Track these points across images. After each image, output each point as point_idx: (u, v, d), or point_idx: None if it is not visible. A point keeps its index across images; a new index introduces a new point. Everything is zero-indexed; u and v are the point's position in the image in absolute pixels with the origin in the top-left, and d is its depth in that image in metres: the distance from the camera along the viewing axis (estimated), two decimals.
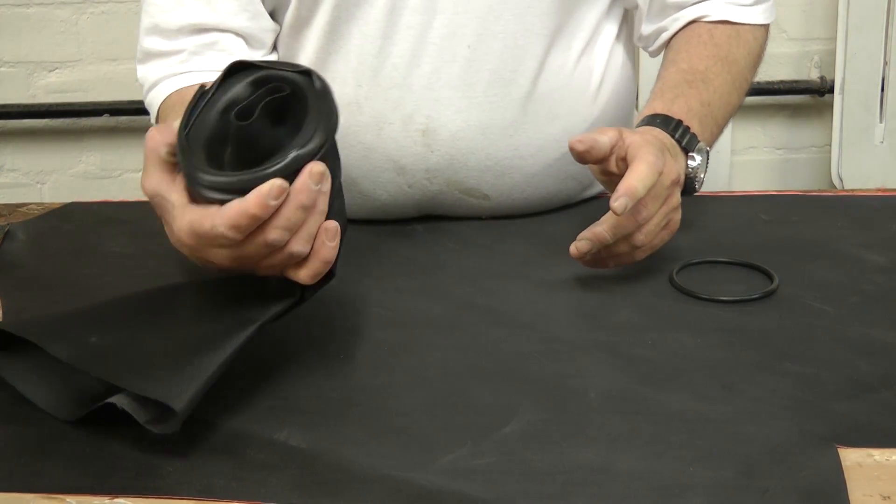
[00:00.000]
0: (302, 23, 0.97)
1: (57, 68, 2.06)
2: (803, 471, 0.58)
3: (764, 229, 0.96)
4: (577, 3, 0.98)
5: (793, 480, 0.57)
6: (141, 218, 1.02)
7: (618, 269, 0.85)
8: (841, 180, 1.99)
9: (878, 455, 0.60)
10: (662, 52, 1.05)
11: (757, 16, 1.02)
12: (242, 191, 0.63)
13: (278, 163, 0.64)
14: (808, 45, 2.02)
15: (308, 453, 0.62)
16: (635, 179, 0.78)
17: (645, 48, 1.08)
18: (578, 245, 0.82)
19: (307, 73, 0.68)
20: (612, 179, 0.84)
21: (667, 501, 0.56)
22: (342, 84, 0.96)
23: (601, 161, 0.84)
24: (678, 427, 0.63)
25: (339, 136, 0.68)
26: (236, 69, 0.69)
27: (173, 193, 0.67)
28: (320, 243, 0.66)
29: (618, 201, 0.77)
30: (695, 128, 0.91)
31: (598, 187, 1.05)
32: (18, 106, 2.06)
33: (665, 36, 1.04)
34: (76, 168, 2.13)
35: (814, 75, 2.02)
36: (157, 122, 0.96)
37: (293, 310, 0.69)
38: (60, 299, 0.84)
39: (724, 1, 1.02)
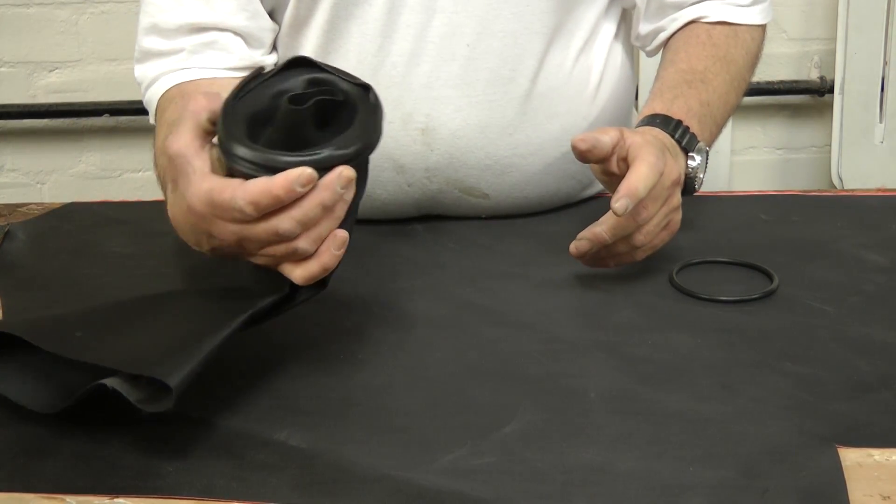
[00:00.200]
0: (301, 22, 0.97)
1: (57, 68, 2.06)
2: (803, 471, 0.58)
3: (764, 229, 0.96)
4: (576, 1, 0.98)
5: (793, 480, 0.57)
6: (141, 218, 1.02)
7: (618, 268, 0.85)
8: (841, 180, 1.99)
9: (878, 455, 0.60)
10: (660, 52, 1.05)
11: (754, 16, 1.03)
12: (272, 170, 0.63)
13: (313, 154, 0.64)
14: (808, 45, 2.02)
15: (308, 453, 0.62)
16: (636, 180, 0.78)
17: (642, 48, 1.08)
18: (578, 245, 0.82)
19: (365, 87, 0.69)
20: (613, 180, 0.84)
21: (667, 501, 0.56)
22: None
23: (603, 160, 0.84)
24: (678, 427, 0.63)
25: None
26: (298, 63, 0.70)
27: (198, 160, 0.67)
28: (326, 248, 0.66)
29: (619, 202, 0.77)
30: (694, 128, 0.91)
31: (598, 186, 1.05)
32: (18, 106, 2.06)
33: (663, 36, 1.04)
34: (76, 168, 2.13)
35: (814, 75, 2.02)
36: (155, 117, 0.95)
37: (283, 311, 0.69)
38: (60, 299, 0.84)
39: (721, 2, 1.02)
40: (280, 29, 0.99)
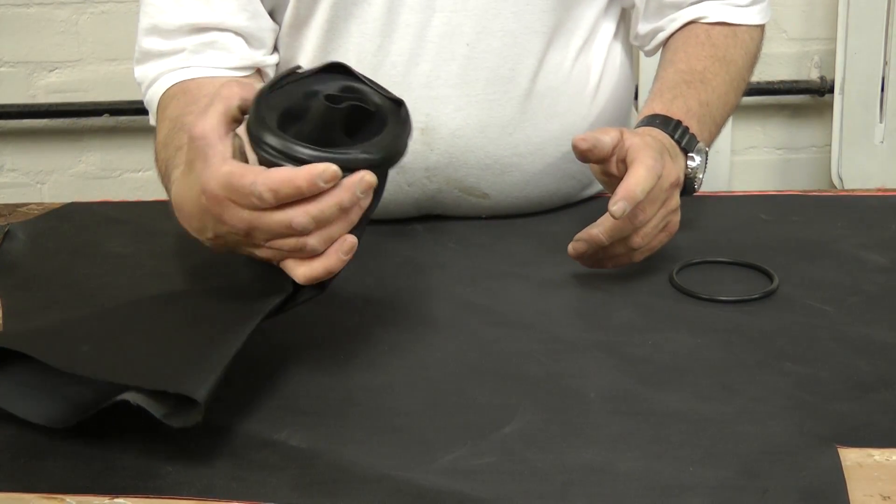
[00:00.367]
0: (301, 22, 0.97)
1: (57, 68, 2.06)
2: (803, 471, 0.58)
3: (764, 229, 0.96)
4: (576, 1, 0.98)
5: (793, 480, 0.57)
6: (141, 218, 1.02)
7: (617, 269, 0.85)
8: (841, 180, 1.99)
9: (878, 455, 0.60)
10: (658, 52, 1.05)
11: (753, 16, 1.03)
12: (297, 161, 0.63)
13: (340, 153, 0.64)
14: (808, 45, 2.01)
15: (308, 453, 0.62)
16: (634, 184, 0.78)
17: (641, 47, 1.08)
18: (575, 246, 0.82)
19: (398, 102, 0.69)
20: (612, 180, 0.84)
21: (667, 501, 0.56)
22: None
23: (603, 161, 0.84)
24: (678, 427, 0.63)
25: None
26: (336, 69, 0.70)
27: (220, 144, 0.67)
28: (334, 250, 0.66)
29: (616, 205, 0.78)
30: (694, 128, 0.91)
31: (598, 186, 1.05)
32: (18, 106, 2.06)
33: (662, 36, 1.04)
34: (76, 168, 2.13)
35: (814, 75, 2.02)
36: (156, 116, 0.95)
37: (281, 313, 0.69)
38: (60, 299, 0.84)
39: (720, 2, 1.02)
40: (280, 29, 0.99)
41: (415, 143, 0.95)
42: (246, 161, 0.68)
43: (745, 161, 2.08)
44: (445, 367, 0.72)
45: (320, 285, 0.68)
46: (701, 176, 0.90)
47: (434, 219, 1.00)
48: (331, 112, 0.67)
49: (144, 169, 2.11)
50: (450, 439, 0.62)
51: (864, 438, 0.61)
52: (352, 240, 0.66)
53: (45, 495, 0.59)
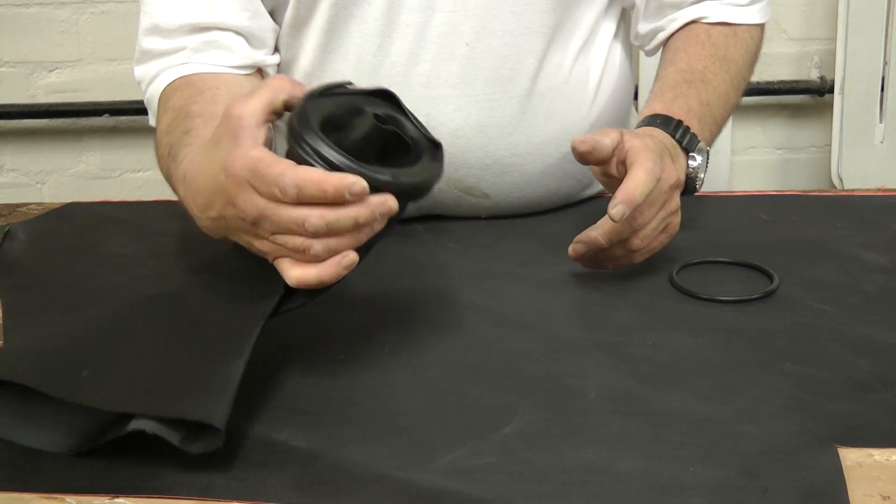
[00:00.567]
0: (301, 22, 0.97)
1: (57, 68, 2.06)
2: (803, 471, 0.58)
3: (764, 229, 0.96)
4: (576, 1, 0.98)
5: (793, 480, 0.57)
6: (141, 218, 1.02)
7: (617, 269, 0.85)
8: (841, 180, 1.99)
9: (878, 455, 0.60)
10: (659, 52, 1.05)
11: (753, 15, 1.03)
12: (330, 165, 0.64)
13: (374, 171, 0.64)
14: (808, 45, 2.01)
15: (308, 453, 0.62)
16: (633, 187, 0.79)
17: (641, 47, 1.08)
18: (575, 248, 0.83)
19: (437, 144, 0.70)
20: (612, 181, 0.84)
21: (667, 501, 0.56)
22: None
23: (603, 162, 0.84)
24: (678, 427, 0.63)
25: None
26: (385, 95, 0.71)
27: (256, 129, 0.67)
28: (333, 261, 0.65)
29: (615, 209, 0.78)
30: (695, 128, 0.91)
31: (598, 186, 1.05)
32: (18, 106, 2.06)
33: (662, 36, 1.04)
34: (76, 168, 2.13)
35: (814, 75, 2.02)
36: (158, 109, 0.94)
37: (271, 318, 0.68)
38: (60, 299, 0.84)
39: (720, 2, 1.02)
40: (280, 29, 0.99)
41: None
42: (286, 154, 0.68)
43: (745, 161, 2.08)
44: (445, 367, 0.72)
45: (309, 295, 0.68)
46: (702, 175, 0.91)
47: (434, 219, 1.00)
48: (376, 130, 0.67)
49: (144, 169, 2.11)
50: (450, 439, 0.62)
51: (864, 438, 0.62)
52: (353, 256, 0.66)
53: (45, 495, 0.59)
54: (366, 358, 0.73)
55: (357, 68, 0.95)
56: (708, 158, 0.92)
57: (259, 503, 0.57)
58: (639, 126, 0.92)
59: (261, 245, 0.68)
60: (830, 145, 2.00)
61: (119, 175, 2.13)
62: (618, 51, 1.05)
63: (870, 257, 0.88)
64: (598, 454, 0.61)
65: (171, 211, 1.04)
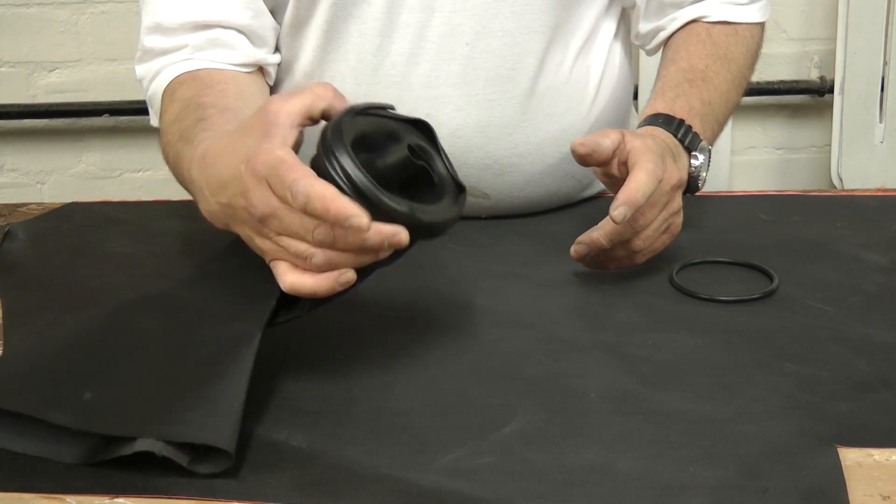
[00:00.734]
0: (301, 22, 0.97)
1: (57, 68, 2.06)
2: (803, 471, 0.58)
3: (764, 229, 0.96)
4: (576, 1, 0.98)
5: (793, 480, 0.57)
6: (141, 218, 1.02)
7: (618, 270, 0.85)
8: (841, 180, 1.99)
9: (878, 455, 0.60)
10: (659, 51, 1.05)
11: (753, 14, 1.03)
12: (349, 182, 0.63)
13: (390, 198, 0.63)
14: (808, 45, 2.01)
15: (308, 453, 0.62)
16: (634, 188, 0.79)
17: (642, 46, 1.08)
18: (577, 248, 0.83)
19: (462, 187, 0.70)
20: (614, 181, 0.84)
21: (667, 501, 0.56)
22: (341, 83, 0.96)
23: (603, 164, 0.84)
24: (678, 427, 0.63)
25: None
26: (423, 127, 0.71)
27: (287, 129, 0.67)
28: (331, 276, 0.65)
29: (617, 210, 0.78)
30: (696, 127, 0.91)
31: (598, 186, 1.05)
32: (18, 106, 2.06)
33: (663, 35, 1.04)
34: (76, 168, 2.13)
35: (814, 75, 2.02)
36: (162, 102, 0.93)
37: (272, 325, 0.68)
38: (60, 299, 0.84)
39: (720, 1, 1.02)
40: (281, 29, 0.99)
41: None
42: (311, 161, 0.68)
43: (745, 161, 2.08)
44: (445, 367, 0.72)
45: (302, 308, 0.68)
46: (704, 174, 0.91)
47: None
48: (407, 162, 0.67)
49: (144, 169, 2.11)
50: (450, 439, 0.62)
51: (864, 438, 0.62)
52: (351, 275, 0.65)
53: (45, 495, 0.58)
54: (366, 358, 0.73)
55: (357, 68, 0.95)
56: (710, 157, 0.92)
57: (259, 503, 0.57)
58: (640, 125, 0.92)
59: (262, 243, 0.68)
60: (830, 145, 2.00)
61: (119, 175, 2.13)
62: (618, 51, 1.05)
63: (870, 257, 0.88)
64: (598, 454, 0.61)
65: (171, 211, 1.04)
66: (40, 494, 0.59)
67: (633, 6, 1.04)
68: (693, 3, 1.02)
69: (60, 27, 2.04)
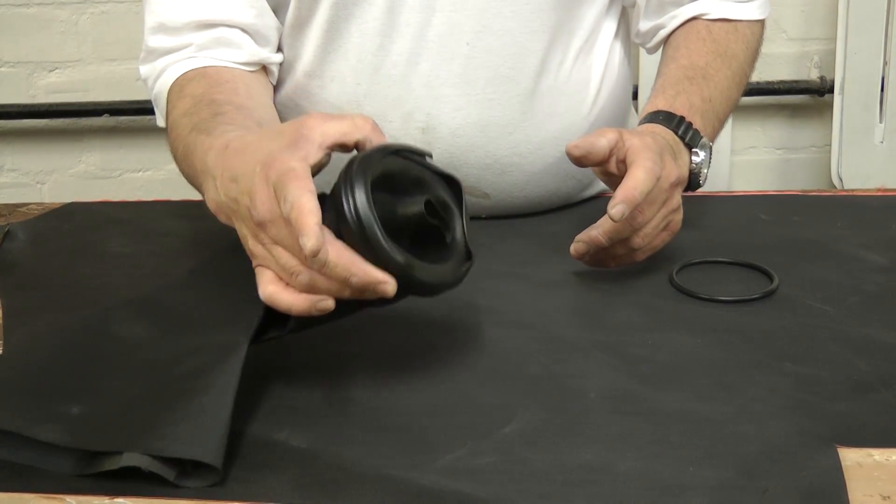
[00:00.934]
0: (302, 22, 0.97)
1: (57, 68, 2.06)
2: (803, 471, 0.58)
3: (764, 229, 0.96)
4: (577, 0, 0.98)
5: (793, 480, 0.57)
6: (141, 218, 1.02)
7: (619, 268, 0.85)
8: (841, 180, 1.99)
9: (878, 455, 0.60)
10: (660, 50, 1.06)
11: (753, 11, 1.03)
12: (355, 218, 0.62)
13: (391, 249, 0.63)
14: (807, 45, 2.01)
15: (308, 453, 0.62)
16: (632, 186, 0.79)
17: (642, 45, 1.08)
18: (576, 247, 0.83)
19: (471, 254, 0.69)
20: (613, 179, 0.84)
21: (667, 501, 0.56)
22: (342, 83, 0.96)
23: (601, 163, 0.84)
24: (678, 427, 0.63)
25: None
26: (451, 181, 0.70)
27: (315, 148, 0.66)
28: (309, 299, 0.64)
29: (615, 208, 0.78)
30: (697, 124, 0.91)
31: (599, 186, 1.05)
32: (18, 106, 2.06)
33: (663, 33, 1.04)
34: (76, 168, 2.13)
35: (814, 75, 2.02)
36: (171, 99, 0.92)
37: (256, 342, 0.67)
38: (60, 299, 0.84)
39: None
40: (283, 29, 0.99)
41: (415, 143, 0.95)
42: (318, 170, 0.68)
43: (745, 161, 2.08)
44: (445, 366, 0.72)
45: (284, 325, 0.67)
46: (706, 171, 0.91)
47: None
48: (420, 218, 0.65)
49: (144, 169, 2.11)
50: (450, 439, 0.62)
51: (864, 438, 0.61)
52: (330, 304, 0.64)
53: (45, 495, 0.59)
54: (366, 358, 0.73)
55: (357, 68, 0.95)
56: (711, 154, 0.92)
57: (259, 503, 0.57)
58: (641, 123, 0.92)
59: (254, 247, 0.68)
60: (830, 145, 2.00)
61: (119, 175, 2.13)
62: (618, 50, 1.05)
63: (870, 257, 0.88)
64: (598, 454, 0.61)
65: (171, 211, 1.04)
66: (40, 494, 0.59)
67: (634, 5, 1.04)
68: (693, 0, 1.02)
69: (60, 27, 2.04)
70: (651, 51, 1.08)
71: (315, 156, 0.66)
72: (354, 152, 0.68)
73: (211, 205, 0.74)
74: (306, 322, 0.67)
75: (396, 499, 0.57)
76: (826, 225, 0.96)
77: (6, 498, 0.58)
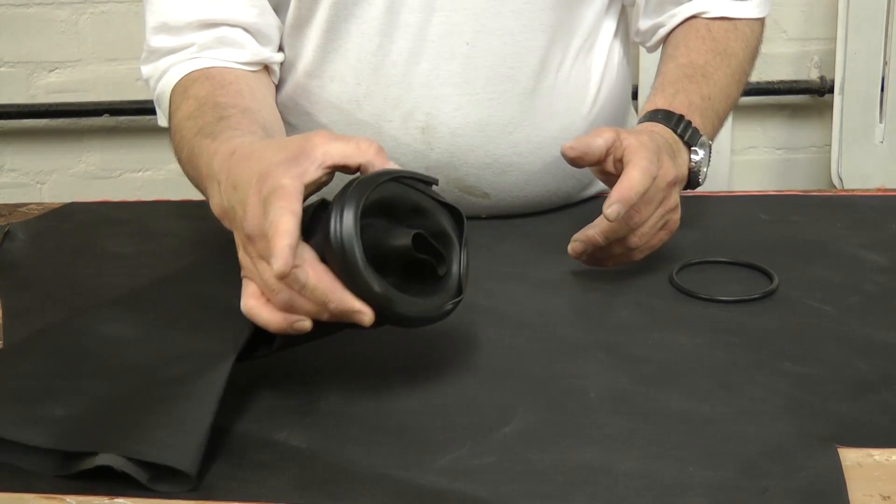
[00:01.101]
0: (302, 21, 0.97)
1: (57, 68, 2.06)
2: (803, 471, 0.58)
3: (764, 229, 0.96)
4: (577, 0, 0.98)
5: (793, 480, 0.57)
6: (141, 218, 1.02)
7: (617, 267, 0.85)
8: (841, 180, 1.99)
9: (878, 455, 0.60)
10: (659, 49, 1.06)
11: (752, 10, 1.03)
12: (338, 245, 0.62)
13: (370, 277, 0.62)
14: (807, 45, 2.01)
15: (308, 453, 0.62)
16: (628, 186, 0.79)
17: (642, 44, 1.08)
18: (573, 246, 0.83)
19: (461, 291, 0.68)
20: (612, 179, 0.84)
21: (667, 501, 0.56)
22: (341, 82, 0.96)
23: (597, 163, 0.84)
24: (678, 427, 0.63)
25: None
26: (455, 214, 0.69)
27: (315, 167, 0.66)
28: (285, 318, 0.64)
29: (610, 208, 0.78)
30: (696, 122, 0.91)
31: (599, 186, 1.05)
32: (18, 106, 2.06)
33: (662, 32, 1.04)
34: (76, 168, 2.13)
35: (813, 75, 2.02)
36: (174, 100, 0.92)
37: (243, 360, 0.67)
38: (60, 299, 0.84)
39: None
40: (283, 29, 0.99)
41: (415, 143, 0.96)
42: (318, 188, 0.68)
43: (745, 161, 2.08)
44: (445, 366, 0.72)
45: (271, 344, 0.67)
46: (705, 169, 0.91)
47: None
48: (406, 251, 0.64)
49: (144, 169, 2.11)
50: (450, 439, 0.62)
51: (864, 438, 0.61)
52: (307, 325, 0.64)
53: (45, 495, 0.59)
54: (366, 358, 0.73)
55: (357, 68, 0.95)
56: (710, 152, 0.92)
57: (259, 503, 0.57)
58: (640, 121, 0.92)
59: (243, 258, 0.68)
60: (830, 145, 2.00)
61: (119, 175, 2.13)
62: (618, 50, 1.05)
63: (870, 257, 0.88)
64: (598, 454, 0.61)
65: (171, 211, 1.04)
66: (40, 494, 0.59)
67: (633, 4, 1.04)
68: None
69: (60, 27, 2.04)
70: (651, 49, 1.08)
71: (313, 174, 0.66)
72: (359, 174, 0.67)
73: (216, 209, 0.74)
74: (291, 340, 0.66)
75: (396, 499, 0.57)
76: (826, 225, 0.96)
77: (6, 498, 0.58)
